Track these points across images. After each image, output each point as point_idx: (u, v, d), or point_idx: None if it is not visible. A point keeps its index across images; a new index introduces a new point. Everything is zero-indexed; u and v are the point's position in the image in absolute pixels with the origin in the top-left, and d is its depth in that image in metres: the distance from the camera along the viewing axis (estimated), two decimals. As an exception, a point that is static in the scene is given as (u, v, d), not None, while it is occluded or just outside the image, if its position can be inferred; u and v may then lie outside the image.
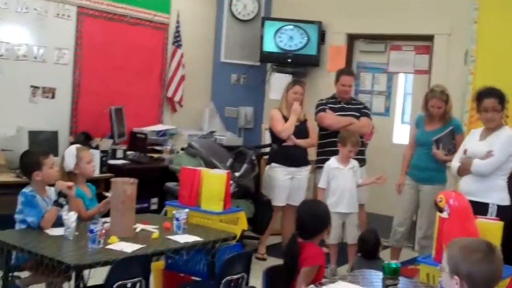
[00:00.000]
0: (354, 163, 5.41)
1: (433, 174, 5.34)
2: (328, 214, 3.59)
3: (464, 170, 4.62)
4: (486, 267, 2.24)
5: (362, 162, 5.79)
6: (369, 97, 7.21)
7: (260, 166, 6.19)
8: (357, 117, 5.91)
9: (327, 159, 5.46)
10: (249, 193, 5.79)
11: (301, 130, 5.84)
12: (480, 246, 2.30)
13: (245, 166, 5.61)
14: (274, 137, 5.88)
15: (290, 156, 5.81)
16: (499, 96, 4.50)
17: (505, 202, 4.49)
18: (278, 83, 6.96)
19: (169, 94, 6.91)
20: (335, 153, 5.43)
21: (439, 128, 5.33)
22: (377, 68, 7.21)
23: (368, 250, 4.63)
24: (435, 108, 5.28)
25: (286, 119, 5.79)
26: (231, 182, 5.22)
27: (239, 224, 4.49)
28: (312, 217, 3.47)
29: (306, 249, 3.34)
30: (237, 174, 5.50)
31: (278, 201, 5.85)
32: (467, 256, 2.27)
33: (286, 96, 5.87)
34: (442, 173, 5.40)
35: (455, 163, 4.71)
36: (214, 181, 4.43)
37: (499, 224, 3.61)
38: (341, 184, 5.31)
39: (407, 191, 5.47)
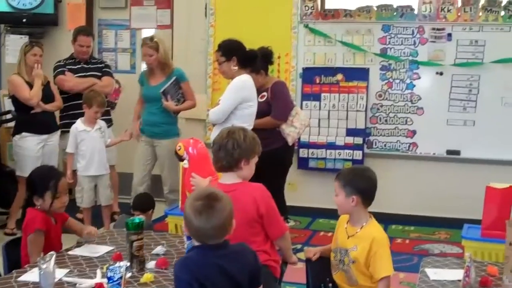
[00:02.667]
0: (101, 123, 5.26)
1: (166, 127, 5.45)
2: (48, 178, 3.28)
3: None
4: (198, 217, 2.18)
5: (109, 122, 5.70)
6: (113, 55, 7.07)
7: (0, 135, 5.74)
8: (99, 77, 5.76)
9: (72, 123, 5.23)
10: (-11, 166, 5.37)
11: (47, 94, 5.54)
12: (204, 196, 2.23)
13: (-21, 137, 5.17)
14: (19, 104, 5.47)
15: (41, 123, 5.49)
16: (221, 48, 4.56)
17: None
18: (14, 45, 6.44)
19: None
20: (80, 115, 5.23)
21: (163, 81, 5.40)
22: (119, 25, 7.06)
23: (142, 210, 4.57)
24: (146, 56, 5.38)
25: (28, 84, 5.43)
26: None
27: (-23, 200, 4.16)
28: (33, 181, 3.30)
29: (26, 216, 3.19)
30: (-29, 147, 5.05)
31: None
32: (190, 201, 2.23)
33: (25, 59, 5.48)
34: (174, 126, 5.53)
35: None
36: None
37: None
38: (90, 146, 5.14)
39: (143, 148, 5.51)
